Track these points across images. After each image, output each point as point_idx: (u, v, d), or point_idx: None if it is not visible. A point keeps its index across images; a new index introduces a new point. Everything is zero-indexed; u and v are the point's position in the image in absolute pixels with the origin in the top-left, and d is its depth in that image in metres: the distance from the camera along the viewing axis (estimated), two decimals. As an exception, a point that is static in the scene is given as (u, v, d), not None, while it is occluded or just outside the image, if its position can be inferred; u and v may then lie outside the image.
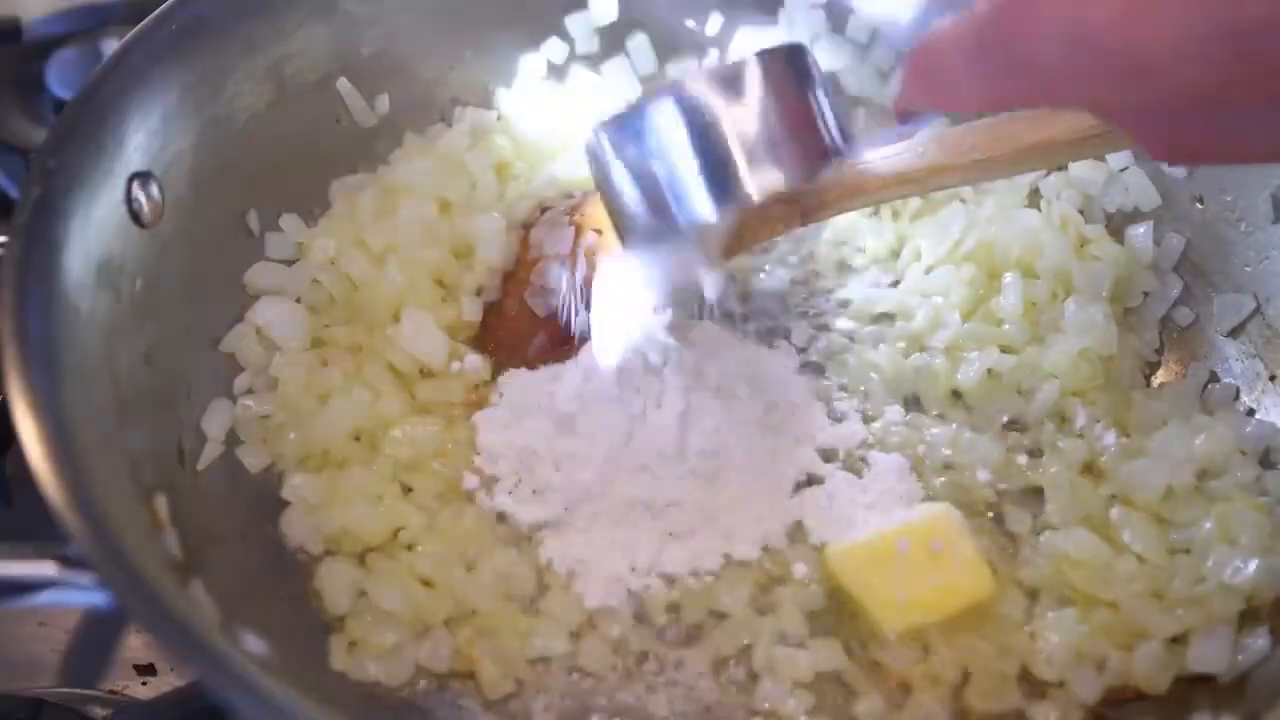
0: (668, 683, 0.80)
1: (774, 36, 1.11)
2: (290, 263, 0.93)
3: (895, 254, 1.03)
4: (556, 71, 1.08)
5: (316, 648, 0.78)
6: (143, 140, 0.79)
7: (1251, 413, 0.90)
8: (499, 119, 1.05)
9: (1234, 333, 0.93)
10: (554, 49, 1.07)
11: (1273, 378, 0.90)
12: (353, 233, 0.94)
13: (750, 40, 1.11)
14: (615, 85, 1.09)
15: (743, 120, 0.73)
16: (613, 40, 1.09)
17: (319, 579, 0.81)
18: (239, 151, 0.89)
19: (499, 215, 0.95)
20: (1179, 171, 0.97)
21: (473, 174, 0.99)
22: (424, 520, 0.84)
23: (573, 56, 1.08)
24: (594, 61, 1.09)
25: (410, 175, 0.97)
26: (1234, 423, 0.87)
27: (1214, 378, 0.93)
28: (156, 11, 0.83)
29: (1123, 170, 1.00)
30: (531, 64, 1.07)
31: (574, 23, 1.08)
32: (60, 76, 1.11)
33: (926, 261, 0.99)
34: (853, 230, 1.04)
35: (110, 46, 0.95)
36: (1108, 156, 1.00)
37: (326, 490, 0.84)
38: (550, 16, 1.07)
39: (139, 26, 0.82)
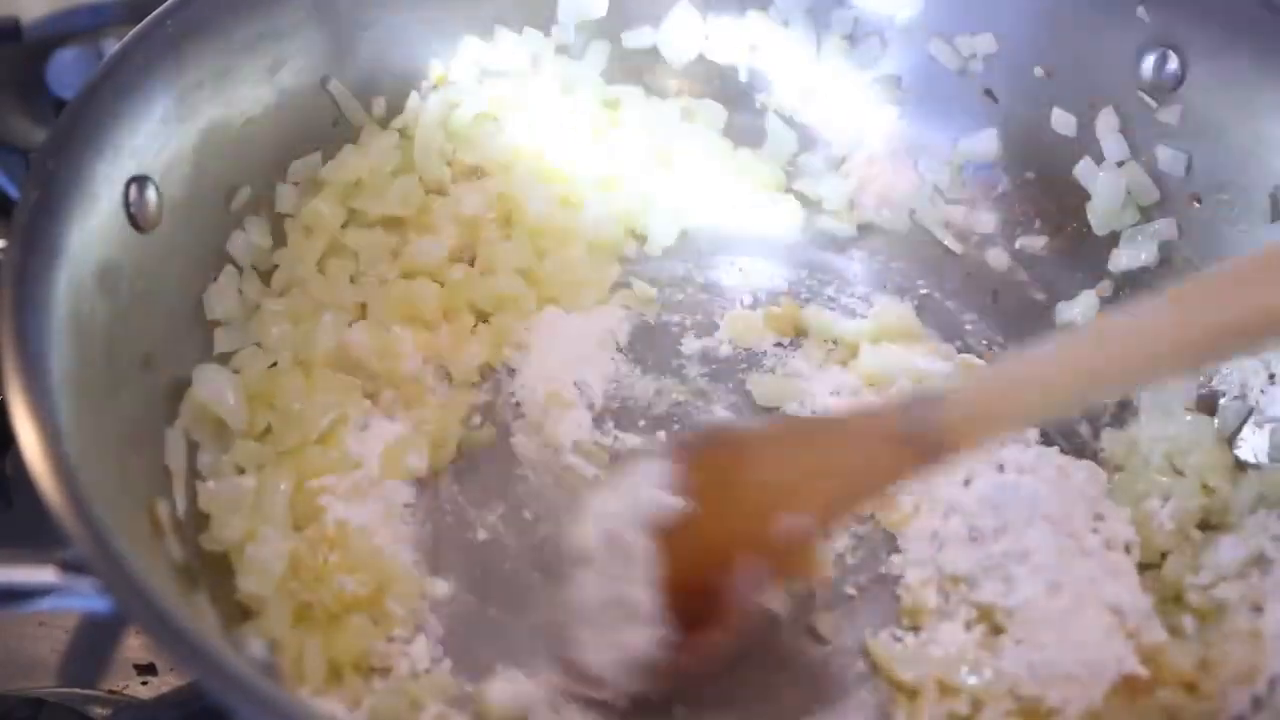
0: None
1: (766, 32, 1.10)
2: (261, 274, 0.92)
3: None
4: (538, 65, 1.06)
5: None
6: (141, 143, 0.79)
7: (1252, 413, 0.91)
8: (481, 116, 1.03)
9: (1233, 332, 0.93)
10: (536, 41, 1.06)
11: (1272, 377, 0.90)
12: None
13: (745, 36, 1.11)
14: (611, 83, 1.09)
15: None
16: (599, 35, 1.09)
17: None
18: (237, 154, 0.89)
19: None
20: (1177, 170, 0.96)
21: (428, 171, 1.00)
22: None
23: (558, 51, 1.07)
24: (576, 54, 1.08)
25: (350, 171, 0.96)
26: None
27: (1213, 377, 0.93)
28: (156, 12, 0.83)
29: (1120, 163, 0.99)
30: (517, 58, 1.05)
31: (565, 14, 1.06)
32: (60, 76, 1.11)
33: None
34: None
35: (110, 46, 0.94)
36: (1106, 155, 1.00)
37: None
38: (550, 15, 1.07)
39: (139, 27, 0.82)
